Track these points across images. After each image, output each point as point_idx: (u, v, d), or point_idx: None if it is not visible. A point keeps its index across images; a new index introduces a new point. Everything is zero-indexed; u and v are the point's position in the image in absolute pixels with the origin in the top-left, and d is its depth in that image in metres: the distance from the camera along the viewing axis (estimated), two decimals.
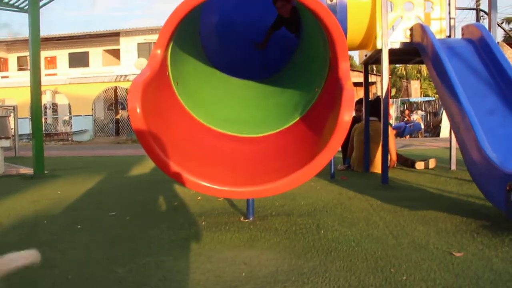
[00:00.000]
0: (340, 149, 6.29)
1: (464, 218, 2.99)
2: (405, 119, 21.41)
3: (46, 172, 6.65)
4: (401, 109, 24.37)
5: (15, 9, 8.45)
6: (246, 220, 3.09)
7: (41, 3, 7.20)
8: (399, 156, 6.15)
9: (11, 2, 8.39)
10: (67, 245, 2.61)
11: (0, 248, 2.57)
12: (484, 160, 2.85)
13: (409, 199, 3.74)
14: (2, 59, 29.60)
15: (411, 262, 2.13)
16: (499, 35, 9.91)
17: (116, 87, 25.85)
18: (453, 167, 5.59)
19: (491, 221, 2.89)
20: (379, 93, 22.92)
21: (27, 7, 7.43)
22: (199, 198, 3.99)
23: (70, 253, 2.45)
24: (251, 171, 2.86)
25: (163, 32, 2.46)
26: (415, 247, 2.37)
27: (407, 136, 20.15)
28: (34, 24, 6.70)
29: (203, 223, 3.08)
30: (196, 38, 3.85)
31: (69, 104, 26.80)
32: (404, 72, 33.59)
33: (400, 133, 19.66)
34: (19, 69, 29.20)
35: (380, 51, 4.71)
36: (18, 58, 29.54)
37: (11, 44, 28.78)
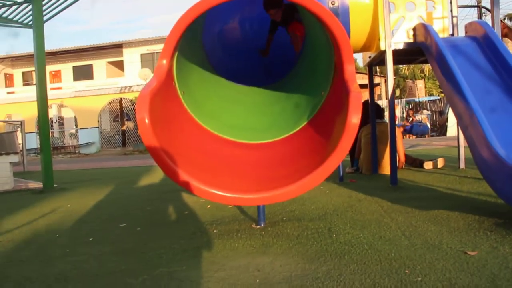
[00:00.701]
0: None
1: (476, 216, 2.97)
2: (410, 119, 21.36)
3: (55, 185, 6.69)
4: (407, 109, 24.30)
5: (20, 25, 8.53)
6: (258, 227, 3.09)
7: (44, 18, 7.27)
8: (407, 156, 6.13)
9: (15, 19, 8.47)
10: (79, 258, 2.62)
11: (15, 264, 2.59)
12: (493, 157, 2.83)
13: (419, 199, 3.72)
14: (7, 75, 29.84)
15: (426, 263, 2.12)
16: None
17: (121, 99, 25.96)
18: (462, 165, 5.55)
19: (503, 219, 2.86)
20: (383, 95, 22.91)
21: (31, 22, 7.50)
22: (209, 206, 3.99)
23: (83, 266, 2.46)
24: (260, 178, 2.86)
25: (168, 42, 2.47)
26: (429, 247, 2.36)
27: (414, 136, 20.11)
28: (39, 39, 6.76)
29: (214, 231, 3.07)
30: (200, 46, 3.87)
31: (75, 117, 26.94)
32: (407, 72, 33.56)
33: (407, 130, 19.63)
34: (24, 84, 29.43)
35: (383, 52, 4.71)
36: (23, 73, 29.80)
37: (16, 60, 29.04)
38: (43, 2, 7.36)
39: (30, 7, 7.74)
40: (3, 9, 8.38)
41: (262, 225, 3.09)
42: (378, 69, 21.91)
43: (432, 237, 2.55)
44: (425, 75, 32.62)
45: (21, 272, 2.39)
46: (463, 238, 2.50)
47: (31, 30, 7.09)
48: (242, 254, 2.49)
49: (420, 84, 28.71)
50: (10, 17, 8.55)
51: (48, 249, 2.90)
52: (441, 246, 2.36)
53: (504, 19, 25.92)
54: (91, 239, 3.12)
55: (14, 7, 8.32)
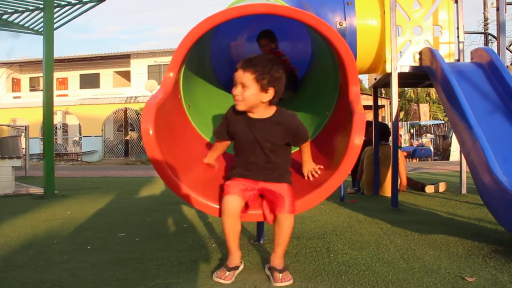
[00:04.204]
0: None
1: (476, 242, 2.96)
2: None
3: (56, 192, 6.70)
4: (411, 132, 24.33)
5: (31, 31, 8.64)
6: (256, 243, 3.08)
7: (55, 26, 7.36)
8: (409, 179, 6.12)
9: (26, 25, 8.57)
10: (77, 265, 2.62)
11: (12, 269, 2.58)
12: (495, 184, 2.83)
13: (419, 222, 3.71)
14: (15, 80, 30.07)
15: (423, 287, 2.11)
16: (507, 59, 9.92)
17: (126, 109, 26.11)
18: (464, 190, 5.55)
19: (504, 246, 2.86)
20: (387, 116, 22.95)
21: (42, 29, 7.59)
22: (209, 219, 3.99)
23: (80, 274, 2.45)
24: None
25: (176, 55, 2.49)
26: (427, 272, 2.35)
27: (417, 159, 20.08)
28: (49, 46, 6.83)
29: (213, 245, 3.07)
30: (208, 61, 3.90)
31: (79, 124, 27.08)
32: (413, 95, 33.63)
33: (410, 154, 19.62)
34: (31, 90, 29.64)
35: (389, 74, 4.74)
36: (31, 79, 30.03)
37: (24, 65, 29.27)
38: (55, 10, 7.47)
39: (41, 14, 7.85)
40: (15, 15, 8.51)
41: (261, 242, 3.09)
42: (383, 91, 21.99)
43: (431, 262, 2.54)
44: (430, 98, 32.71)
45: (18, 277, 2.39)
46: (462, 263, 2.49)
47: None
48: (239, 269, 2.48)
49: (424, 107, 28.77)
50: (21, 23, 8.67)
51: (46, 255, 2.90)
52: (439, 271, 2.36)
53: (510, 45, 26.03)
54: (89, 247, 3.12)
55: (26, 13, 8.44)
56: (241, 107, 2.33)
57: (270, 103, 2.36)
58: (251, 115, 2.38)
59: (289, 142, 2.43)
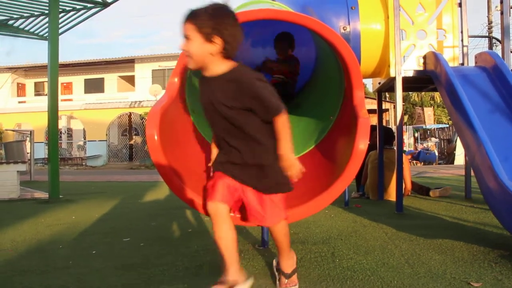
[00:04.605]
0: None
1: (481, 247, 2.95)
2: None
3: (61, 196, 6.72)
4: (415, 136, 24.28)
5: (36, 37, 8.69)
6: (261, 248, 3.08)
7: (60, 31, 7.41)
8: (413, 184, 6.11)
9: (31, 30, 8.63)
10: (82, 270, 2.62)
11: (17, 274, 2.59)
12: (500, 189, 2.82)
13: (424, 227, 3.70)
14: (20, 84, 30.21)
15: None
16: None
17: (130, 113, 26.15)
18: (469, 195, 5.53)
19: (509, 251, 2.84)
20: (391, 120, 22.91)
21: (46, 35, 7.64)
22: None
23: (85, 279, 2.46)
24: None
25: (180, 60, 2.50)
26: (432, 277, 2.34)
27: (421, 163, 20.02)
28: (53, 51, 6.87)
29: (217, 250, 3.06)
30: None
31: (83, 129, 27.14)
32: (417, 99, 33.56)
33: (415, 156, 19.57)
34: (36, 94, 29.77)
35: (393, 79, 4.73)
36: (36, 83, 30.16)
37: (29, 70, 29.40)
38: (60, 15, 7.52)
39: (46, 19, 7.90)
40: (20, 20, 8.57)
41: (266, 247, 3.09)
42: (387, 95, 21.96)
43: (436, 266, 2.53)
44: (435, 102, 32.63)
45: (23, 282, 2.40)
46: (468, 268, 2.48)
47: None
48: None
49: (429, 111, 28.70)
50: (27, 28, 8.72)
51: (51, 260, 2.91)
52: (445, 276, 2.35)
53: None
54: (94, 252, 3.12)
55: (31, 19, 8.50)
56: (190, 64, 2.04)
57: (225, 56, 2.01)
58: (206, 73, 2.07)
59: (254, 110, 2.00)
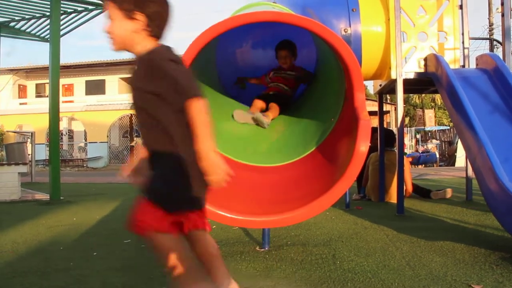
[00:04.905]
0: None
1: (482, 249, 2.95)
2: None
3: (61, 198, 6.72)
4: (416, 138, 24.26)
5: (37, 38, 8.70)
6: (262, 250, 3.08)
7: (61, 32, 7.42)
8: (414, 186, 6.10)
9: (33, 32, 8.64)
10: (82, 272, 2.62)
11: (18, 275, 2.59)
12: (501, 191, 2.82)
13: (425, 229, 3.70)
14: (21, 86, 30.24)
15: None
16: None
17: (131, 115, 26.11)
18: (470, 197, 5.52)
19: (510, 253, 2.84)
20: (392, 122, 22.92)
21: (48, 36, 7.65)
22: (214, 226, 3.98)
23: (86, 280, 2.46)
24: (266, 201, 2.86)
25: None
26: (433, 279, 2.34)
27: (423, 165, 20.01)
28: (55, 53, 6.88)
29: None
30: (213, 68, 3.92)
31: (85, 130, 27.15)
32: (418, 101, 33.56)
33: (415, 161, 19.54)
34: (37, 96, 29.78)
35: (394, 81, 4.73)
36: (37, 85, 30.16)
37: (30, 72, 29.43)
38: (61, 17, 7.53)
39: (48, 21, 7.91)
40: (22, 22, 8.59)
41: (267, 248, 3.08)
42: (388, 97, 21.96)
43: (437, 269, 2.53)
44: (435, 104, 32.64)
45: (24, 283, 2.40)
46: (468, 270, 2.48)
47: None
48: (245, 276, 2.47)
49: (429, 113, 28.70)
50: (28, 30, 8.74)
51: (51, 261, 2.91)
52: (445, 278, 2.35)
53: None
54: (95, 253, 3.12)
55: (33, 20, 8.52)
56: (112, 45, 1.81)
57: (150, 35, 1.79)
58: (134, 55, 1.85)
59: (165, 96, 1.71)
